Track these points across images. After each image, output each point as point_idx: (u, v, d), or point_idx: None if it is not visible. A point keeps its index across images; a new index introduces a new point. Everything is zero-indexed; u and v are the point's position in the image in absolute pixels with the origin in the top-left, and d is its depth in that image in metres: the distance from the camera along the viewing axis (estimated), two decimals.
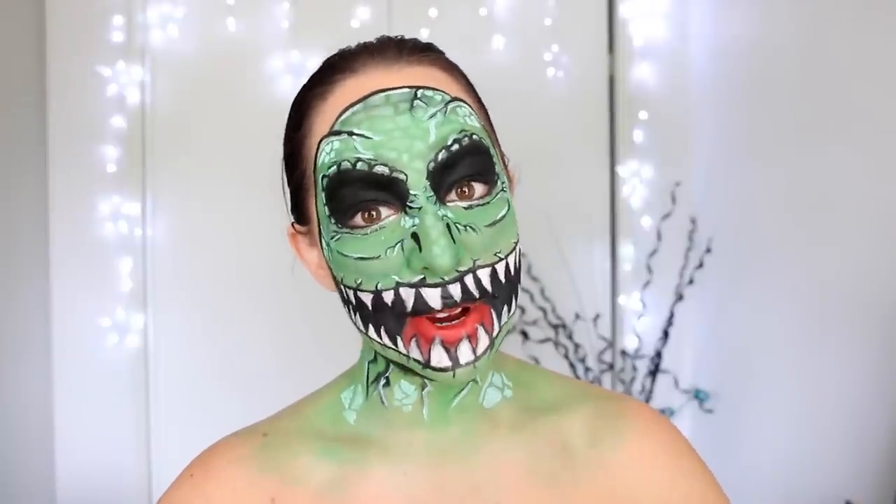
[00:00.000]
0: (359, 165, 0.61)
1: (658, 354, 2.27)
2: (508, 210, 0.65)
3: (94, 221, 2.31)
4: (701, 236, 2.27)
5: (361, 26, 2.32)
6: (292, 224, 0.71)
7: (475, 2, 2.38)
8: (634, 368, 2.31)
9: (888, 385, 1.64)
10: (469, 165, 0.62)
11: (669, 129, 2.40)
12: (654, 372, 2.27)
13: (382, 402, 0.70)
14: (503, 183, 0.66)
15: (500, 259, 0.63)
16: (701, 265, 2.23)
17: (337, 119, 0.63)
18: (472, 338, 0.62)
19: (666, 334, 2.26)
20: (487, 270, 0.62)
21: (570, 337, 2.26)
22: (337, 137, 0.62)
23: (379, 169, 0.61)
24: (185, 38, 2.33)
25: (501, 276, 0.63)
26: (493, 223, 0.63)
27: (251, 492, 0.69)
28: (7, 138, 2.11)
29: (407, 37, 0.68)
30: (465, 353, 0.62)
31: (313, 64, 2.64)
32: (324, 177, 0.63)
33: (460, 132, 0.62)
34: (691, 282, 2.25)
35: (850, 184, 1.76)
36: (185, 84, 2.34)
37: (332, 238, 0.64)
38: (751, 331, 2.12)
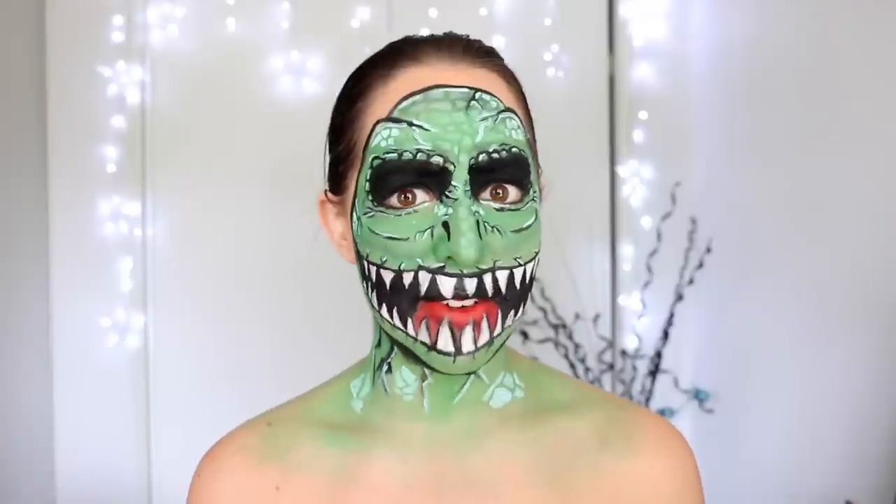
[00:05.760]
0: (419, 156, 0.63)
1: (658, 354, 2.27)
2: (535, 220, 0.67)
3: (94, 221, 2.31)
4: (701, 236, 2.27)
5: (361, 26, 2.32)
6: (325, 192, 0.73)
7: (475, 2, 2.38)
8: (634, 368, 2.31)
9: (888, 385, 1.64)
10: (506, 173, 0.65)
11: (669, 129, 2.40)
12: (654, 372, 2.27)
13: (385, 390, 0.72)
14: (535, 192, 0.68)
15: (519, 265, 0.65)
16: (701, 265, 2.23)
17: (396, 106, 0.65)
18: (477, 326, 0.64)
19: (666, 334, 2.26)
20: (506, 273, 0.65)
21: (570, 337, 2.26)
22: (396, 125, 0.64)
23: (435, 160, 0.63)
24: (185, 38, 2.33)
25: (517, 282, 0.65)
26: (520, 230, 0.65)
27: (254, 481, 0.71)
28: (7, 138, 2.11)
29: (472, 38, 0.71)
30: (467, 341, 0.64)
31: (313, 64, 2.63)
32: (375, 158, 0.65)
33: (502, 144, 0.64)
34: (691, 282, 2.25)
35: (850, 184, 1.76)
36: (185, 84, 2.34)
37: (364, 214, 0.66)
38: (751, 331, 2.12)
